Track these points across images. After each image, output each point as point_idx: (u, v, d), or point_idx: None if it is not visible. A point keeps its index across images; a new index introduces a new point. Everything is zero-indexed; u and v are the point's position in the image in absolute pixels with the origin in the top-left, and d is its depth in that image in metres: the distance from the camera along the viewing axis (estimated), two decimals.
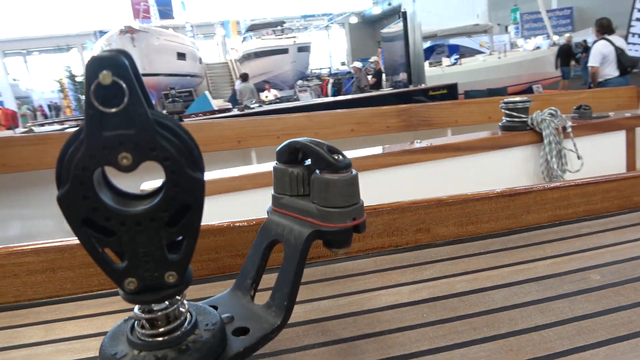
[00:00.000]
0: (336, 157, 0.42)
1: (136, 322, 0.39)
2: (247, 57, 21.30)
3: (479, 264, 0.65)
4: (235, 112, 7.52)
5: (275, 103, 16.20)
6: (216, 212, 1.52)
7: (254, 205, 1.52)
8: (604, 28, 5.45)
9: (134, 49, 14.92)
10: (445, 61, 15.93)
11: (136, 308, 0.38)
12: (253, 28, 22.48)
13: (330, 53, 37.46)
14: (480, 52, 16.78)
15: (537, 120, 1.95)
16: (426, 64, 16.41)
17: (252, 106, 7.99)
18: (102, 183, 0.34)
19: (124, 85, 0.30)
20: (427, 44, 18.57)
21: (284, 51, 19.14)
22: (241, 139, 2.77)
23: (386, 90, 8.91)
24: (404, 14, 8.76)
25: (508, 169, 1.99)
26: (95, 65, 0.30)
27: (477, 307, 0.55)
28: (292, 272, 0.42)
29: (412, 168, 1.81)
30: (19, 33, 31.91)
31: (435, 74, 14.77)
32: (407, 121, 3.04)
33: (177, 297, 0.39)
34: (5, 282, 0.60)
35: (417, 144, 1.87)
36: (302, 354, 0.48)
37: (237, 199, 1.58)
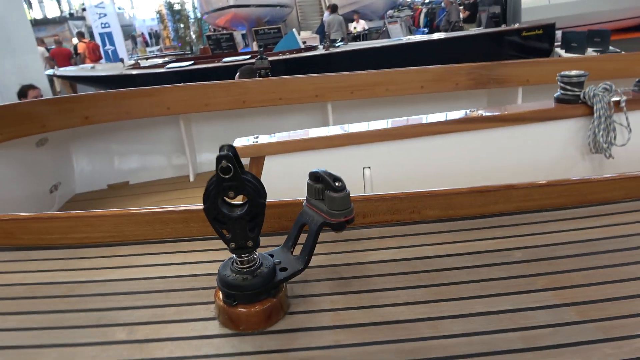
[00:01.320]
0: (337, 184, 0.78)
1: (234, 261, 0.80)
2: None
3: (446, 238, 0.99)
4: (321, 50, 7.77)
5: (363, 36, 15.84)
6: (294, 166, 1.90)
7: (324, 164, 1.88)
8: None
9: None
10: None
11: (234, 255, 0.79)
12: None
13: None
14: None
15: (590, 94, 2.08)
16: None
17: (337, 44, 8.16)
18: (222, 202, 0.74)
19: (231, 166, 0.68)
20: None
21: None
22: (319, 93, 3.12)
23: (476, 30, 8.57)
24: None
25: (558, 140, 2.15)
26: (220, 158, 0.68)
27: (429, 266, 0.90)
28: (311, 242, 0.80)
29: (466, 136, 2.05)
30: None
31: (539, 4, 13.56)
32: (477, 79, 3.17)
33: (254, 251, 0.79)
34: (163, 227, 1.05)
35: (470, 113, 2.10)
36: (318, 284, 0.88)
37: (311, 156, 1.95)
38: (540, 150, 2.14)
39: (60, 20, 23.77)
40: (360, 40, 17.36)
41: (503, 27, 7.53)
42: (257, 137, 1.93)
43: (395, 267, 0.90)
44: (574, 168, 2.17)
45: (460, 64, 3.21)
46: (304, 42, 13.65)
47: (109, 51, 14.58)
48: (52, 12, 27.00)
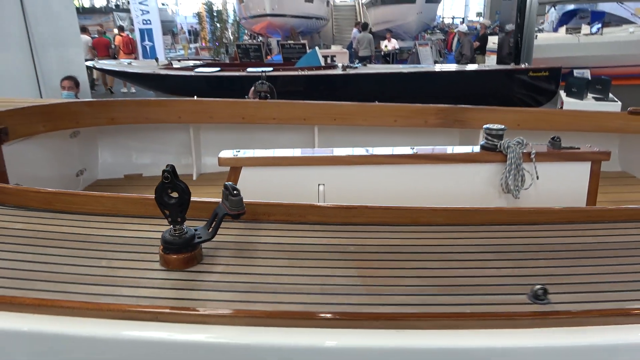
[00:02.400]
0: (235, 192, 1.38)
1: (170, 230, 1.40)
2: (374, 2, 21.46)
3: (313, 234, 1.56)
4: (339, 70, 8.40)
5: (393, 55, 16.26)
6: (263, 177, 2.51)
7: (288, 177, 2.48)
8: None
9: None
10: (585, 29, 14.61)
11: (171, 226, 1.39)
12: None
13: (468, 2, 35.73)
14: (630, 22, 15.12)
15: (505, 145, 2.62)
16: (562, 30, 15.30)
17: (355, 65, 8.75)
18: (166, 193, 1.34)
19: (170, 176, 1.29)
20: (571, 7, 17.11)
21: (411, 1, 19.07)
22: (307, 117, 3.73)
23: (488, 66, 9.03)
24: None
25: (479, 180, 2.68)
26: (164, 172, 1.29)
27: (293, 248, 1.48)
28: (218, 224, 1.41)
29: (404, 168, 2.61)
30: None
31: (569, 42, 13.85)
32: (443, 119, 3.73)
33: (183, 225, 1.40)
34: (141, 207, 1.67)
35: (410, 150, 2.66)
36: (223, 250, 1.48)
37: (279, 171, 2.54)
38: (464, 186, 2.68)
39: (105, 11, 25.19)
40: (389, 59, 17.86)
41: (512, 66, 8.01)
42: (238, 152, 2.55)
43: (272, 247, 1.50)
44: (490, 203, 2.70)
45: (437, 104, 3.74)
46: (333, 56, 14.26)
47: (147, 47, 15.59)
48: (100, 2, 28.47)
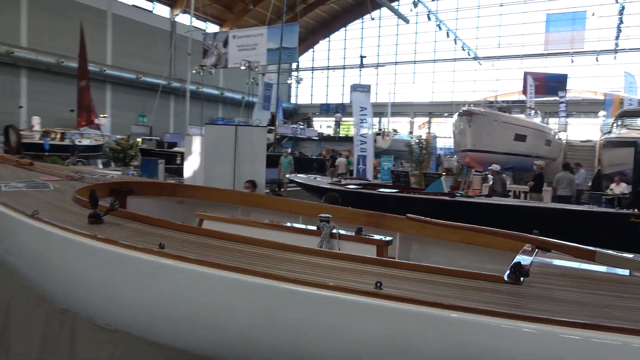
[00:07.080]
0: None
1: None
2: (609, 143, 20.96)
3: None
4: (448, 197, 10.04)
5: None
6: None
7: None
8: None
9: (469, 128, 18.34)
10: None
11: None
12: (627, 114, 21.67)
13: None
14: None
15: (321, 227, 4.52)
16: None
17: (466, 195, 10.21)
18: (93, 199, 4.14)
19: (93, 192, 4.11)
20: None
21: None
22: (289, 208, 6.07)
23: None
24: None
25: (308, 244, 4.54)
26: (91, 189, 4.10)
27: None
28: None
29: (268, 231, 4.76)
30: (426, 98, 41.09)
31: None
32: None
33: None
34: None
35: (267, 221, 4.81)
36: None
37: (225, 225, 5.07)
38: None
39: None
40: (614, 203, 17.21)
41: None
42: (205, 211, 5.21)
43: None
44: None
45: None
46: (526, 192, 15.25)
47: (360, 169, 19.61)
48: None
